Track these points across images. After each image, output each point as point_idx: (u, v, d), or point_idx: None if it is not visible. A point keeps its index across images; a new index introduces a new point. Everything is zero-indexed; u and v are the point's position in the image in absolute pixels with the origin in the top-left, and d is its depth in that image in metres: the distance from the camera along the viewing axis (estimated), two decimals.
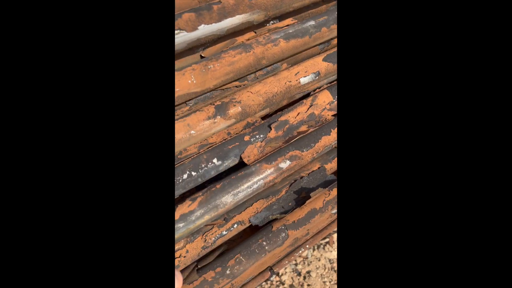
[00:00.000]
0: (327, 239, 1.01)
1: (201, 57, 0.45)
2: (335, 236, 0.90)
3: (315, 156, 0.48)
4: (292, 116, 0.51)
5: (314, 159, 0.54)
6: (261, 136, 0.48)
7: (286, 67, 0.50)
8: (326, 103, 0.53)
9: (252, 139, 0.48)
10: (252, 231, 0.52)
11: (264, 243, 0.48)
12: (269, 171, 0.45)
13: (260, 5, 0.42)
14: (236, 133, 0.49)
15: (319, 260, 1.01)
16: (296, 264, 0.94)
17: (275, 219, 0.51)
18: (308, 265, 0.95)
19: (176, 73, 0.39)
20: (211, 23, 0.39)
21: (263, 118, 0.53)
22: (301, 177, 0.55)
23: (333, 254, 0.92)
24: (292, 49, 0.47)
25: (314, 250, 1.04)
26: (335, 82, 0.58)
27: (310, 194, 0.52)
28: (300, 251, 0.58)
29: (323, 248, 1.02)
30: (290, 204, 0.53)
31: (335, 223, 0.59)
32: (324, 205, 0.52)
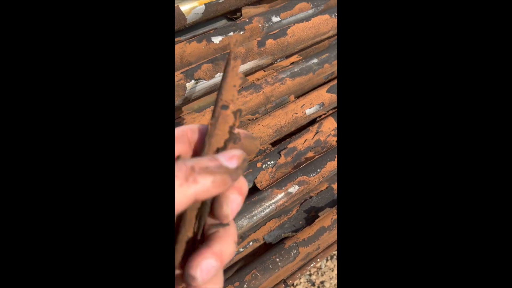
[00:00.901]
0: None
1: None
2: None
3: (321, 180, 0.54)
4: (300, 143, 0.56)
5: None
6: (272, 162, 0.54)
7: (293, 99, 0.56)
8: (331, 129, 0.58)
9: (264, 166, 0.54)
10: (266, 247, 0.57)
11: (277, 259, 0.53)
12: (279, 196, 0.50)
13: (268, 51, 0.48)
14: (250, 160, 0.55)
15: (333, 271, 1.05)
16: (310, 275, 0.98)
17: (287, 237, 0.56)
18: (322, 275, 0.99)
19: (196, 114, 0.46)
20: None
21: (273, 144, 0.59)
22: (311, 197, 0.60)
23: None
24: (298, 85, 0.52)
25: (327, 260, 1.07)
26: None
27: (319, 214, 0.57)
28: (312, 264, 0.63)
29: (336, 259, 1.06)
30: (300, 222, 0.59)
31: None
32: (332, 223, 0.57)
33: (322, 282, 0.95)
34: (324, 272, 0.99)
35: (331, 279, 0.95)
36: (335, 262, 1.01)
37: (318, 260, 0.63)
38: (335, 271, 0.98)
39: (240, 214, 0.48)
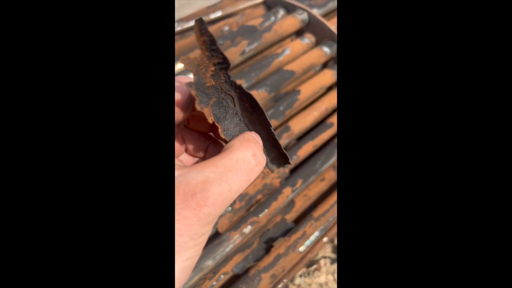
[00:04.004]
0: (315, 266, 1.18)
1: None
2: (322, 262, 1.08)
3: (269, 217, 0.67)
4: (250, 188, 0.70)
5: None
6: (230, 208, 0.67)
7: None
8: (274, 173, 0.72)
9: (223, 212, 0.67)
10: (236, 278, 0.69)
11: (244, 287, 0.65)
12: (236, 237, 0.63)
13: None
14: None
15: (310, 286, 1.16)
16: None
17: (251, 267, 0.68)
18: None
19: None
20: None
21: None
22: (268, 229, 0.73)
23: (322, 278, 1.10)
24: None
25: (305, 277, 1.20)
26: None
27: (273, 244, 0.70)
28: (281, 285, 0.75)
29: (313, 274, 1.19)
30: (261, 253, 0.71)
31: (306, 258, 0.77)
32: (286, 249, 0.70)
33: None
34: None
35: None
36: (312, 278, 1.13)
37: (285, 280, 0.76)
38: (313, 286, 1.09)
39: (205, 256, 0.61)
